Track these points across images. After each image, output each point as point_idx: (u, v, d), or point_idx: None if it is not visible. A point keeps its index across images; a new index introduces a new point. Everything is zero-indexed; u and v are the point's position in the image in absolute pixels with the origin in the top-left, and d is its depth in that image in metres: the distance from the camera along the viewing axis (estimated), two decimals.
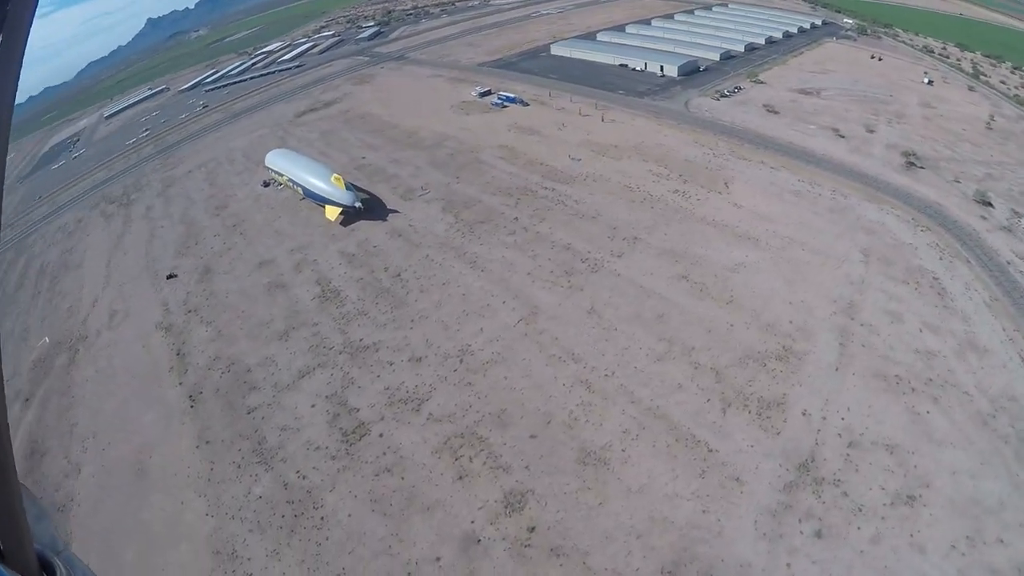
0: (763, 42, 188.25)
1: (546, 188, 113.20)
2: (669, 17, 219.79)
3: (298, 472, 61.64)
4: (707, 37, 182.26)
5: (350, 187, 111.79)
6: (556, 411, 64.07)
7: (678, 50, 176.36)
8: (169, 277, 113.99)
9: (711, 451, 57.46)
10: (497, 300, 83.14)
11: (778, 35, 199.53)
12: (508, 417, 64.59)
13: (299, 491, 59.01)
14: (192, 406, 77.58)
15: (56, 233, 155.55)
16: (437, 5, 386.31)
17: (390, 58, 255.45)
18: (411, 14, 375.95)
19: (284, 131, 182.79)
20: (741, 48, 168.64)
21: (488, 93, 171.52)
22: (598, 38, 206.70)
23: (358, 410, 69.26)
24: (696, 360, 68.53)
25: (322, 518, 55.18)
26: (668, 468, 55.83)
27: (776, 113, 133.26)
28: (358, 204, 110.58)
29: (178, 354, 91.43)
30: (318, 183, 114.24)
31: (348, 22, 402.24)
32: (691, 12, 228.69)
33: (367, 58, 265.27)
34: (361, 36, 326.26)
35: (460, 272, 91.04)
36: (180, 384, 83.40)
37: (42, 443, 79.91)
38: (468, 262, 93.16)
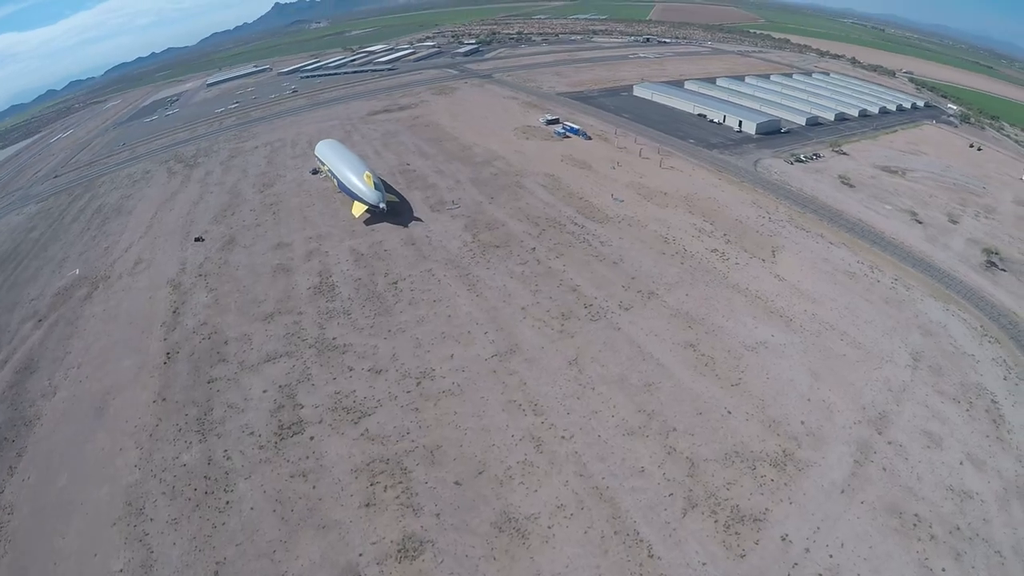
0: (856, 114, 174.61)
1: (576, 224, 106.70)
2: (765, 77, 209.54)
3: (225, 452, 61.01)
4: (797, 100, 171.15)
5: (379, 187, 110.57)
6: (493, 463, 57.10)
7: (764, 108, 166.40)
8: (197, 240, 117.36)
9: (651, 557, 47.95)
10: (480, 329, 77.23)
11: (874, 110, 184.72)
12: (441, 455, 58.57)
13: (219, 470, 58.53)
14: (165, 363, 79.45)
15: (124, 179, 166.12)
16: (541, 34, 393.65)
17: (477, 75, 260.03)
18: (514, 38, 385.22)
19: (352, 126, 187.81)
20: (831, 117, 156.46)
21: (555, 122, 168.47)
22: (685, 86, 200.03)
23: (302, 407, 66.74)
24: (673, 444, 59.03)
25: (227, 503, 54.27)
26: (592, 564, 46.95)
27: (851, 187, 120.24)
28: (382, 205, 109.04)
29: (174, 312, 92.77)
30: (351, 178, 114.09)
31: (453, 37, 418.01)
32: (789, 75, 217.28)
33: (456, 72, 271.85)
34: (459, 51, 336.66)
35: (455, 292, 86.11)
36: (164, 340, 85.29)
37: (36, 361, 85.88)
38: (467, 284, 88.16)
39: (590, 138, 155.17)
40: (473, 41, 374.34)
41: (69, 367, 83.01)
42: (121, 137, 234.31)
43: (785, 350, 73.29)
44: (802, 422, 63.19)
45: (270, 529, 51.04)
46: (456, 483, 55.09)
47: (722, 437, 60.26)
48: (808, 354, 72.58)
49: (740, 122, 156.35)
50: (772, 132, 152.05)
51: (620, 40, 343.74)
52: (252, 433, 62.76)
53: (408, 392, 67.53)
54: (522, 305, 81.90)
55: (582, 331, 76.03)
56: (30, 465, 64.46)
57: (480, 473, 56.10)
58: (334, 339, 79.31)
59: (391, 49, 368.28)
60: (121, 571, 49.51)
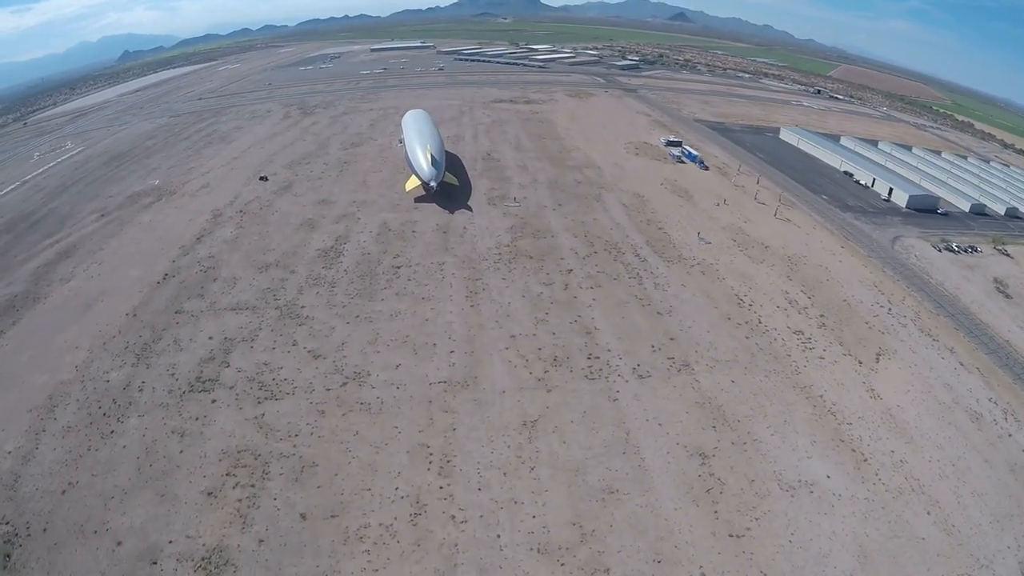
0: None
1: (638, 255, 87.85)
2: (935, 152, 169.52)
3: (141, 383, 58.90)
4: (965, 183, 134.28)
5: (436, 165, 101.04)
6: (354, 511, 44.52)
7: (923, 183, 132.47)
8: (261, 179, 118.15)
9: None
10: (448, 345, 63.74)
11: None
12: (309, 476, 47.56)
13: (126, 398, 56.97)
14: (159, 282, 79.07)
15: (246, 113, 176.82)
16: (709, 65, 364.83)
17: (622, 87, 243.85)
18: (679, 63, 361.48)
19: (469, 108, 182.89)
20: (1001, 209, 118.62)
21: (675, 144, 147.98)
22: (841, 141, 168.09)
23: (227, 367, 60.88)
24: None
25: (112, 432, 52.63)
26: None
27: (1008, 296, 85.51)
28: (433, 183, 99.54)
29: (197, 239, 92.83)
30: (414, 149, 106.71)
31: (620, 51, 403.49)
32: (963, 157, 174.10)
33: (603, 81, 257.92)
34: (616, 63, 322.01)
35: (450, 295, 73.47)
36: (172, 262, 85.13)
37: (75, 249, 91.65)
38: (470, 290, 75.10)
39: (707, 168, 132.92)
40: (636, 58, 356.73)
41: (93, 262, 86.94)
42: (271, 78, 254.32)
43: (837, 504, 49.54)
44: None
45: (123, 474, 48.09)
46: (302, 516, 44.24)
47: None
48: (869, 520, 48.22)
49: (891, 190, 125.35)
50: (926, 210, 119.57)
51: (789, 86, 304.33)
52: (173, 375, 60.25)
53: (328, 390, 56.76)
54: (514, 332, 66.50)
55: (566, 388, 58.68)
56: (13, 336, 68.69)
57: (333, 517, 44.12)
58: (302, 308, 71.35)
59: (553, 50, 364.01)
60: (10, 453, 50.51)
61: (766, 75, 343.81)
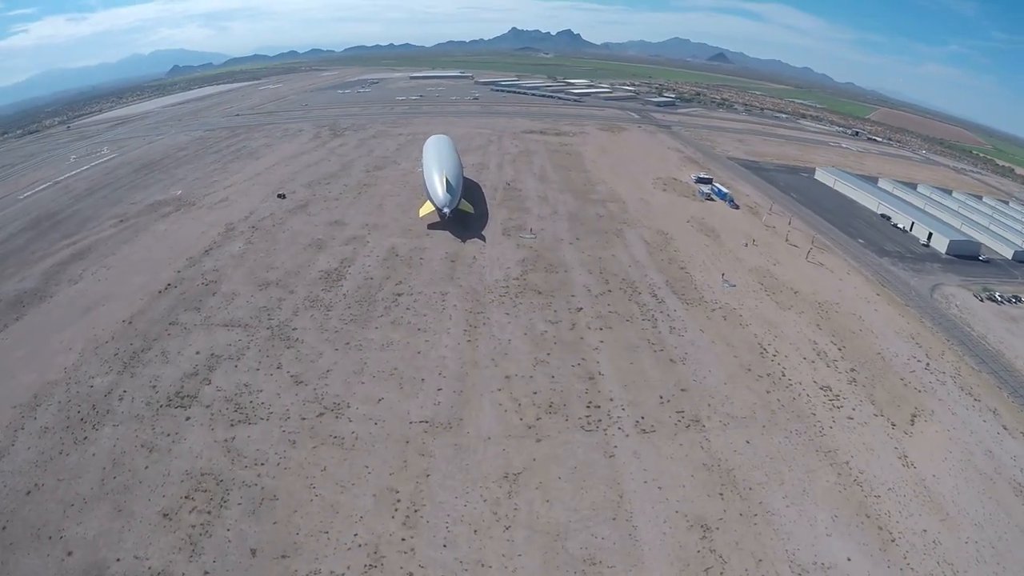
0: None
1: (655, 296, 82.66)
2: (976, 197, 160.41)
3: (123, 392, 57.81)
4: (1009, 229, 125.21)
5: (451, 191, 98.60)
6: (306, 553, 40.61)
7: (964, 228, 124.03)
8: (279, 196, 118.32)
9: None
10: (436, 382, 59.85)
11: None
12: (268, 510, 44.07)
13: (104, 406, 55.94)
14: (160, 291, 78.55)
15: (278, 132, 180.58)
16: (746, 104, 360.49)
17: (656, 123, 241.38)
18: (715, 101, 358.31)
19: (497, 137, 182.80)
20: None
21: (706, 181, 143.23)
22: (879, 184, 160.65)
23: (208, 384, 58.77)
24: None
25: (85, 438, 51.50)
26: None
27: None
28: (446, 209, 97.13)
29: (206, 251, 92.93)
30: (430, 175, 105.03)
31: (657, 88, 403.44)
32: (1005, 202, 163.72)
33: (637, 117, 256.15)
34: (652, 99, 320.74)
35: (448, 328, 69.91)
36: (177, 272, 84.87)
37: (89, 252, 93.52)
38: (470, 324, 71.34)
39: (737, 207, 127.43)
40: (672, 95, 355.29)
41: (102, 266, 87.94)
42: (308, 99, 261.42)
43: None
44: None
45: (87, 483, 46.78)
46: (252, 552, 40.87)
47: None
48: None
49: (930, 235, 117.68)
50: (967, 256, 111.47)
51: (827, 127, 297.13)
52: (154, 387, 58.79)
53: (303, 419, 53.40)
54: (509, 373, 61.95)
55: (558, 439, 53.53)
56: (13, 332, 69.74)
57: (283, 557, 40.48)
58: (294, 330, 68.76)
59: (590, 85, 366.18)
60: None
61: (804, 116, 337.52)
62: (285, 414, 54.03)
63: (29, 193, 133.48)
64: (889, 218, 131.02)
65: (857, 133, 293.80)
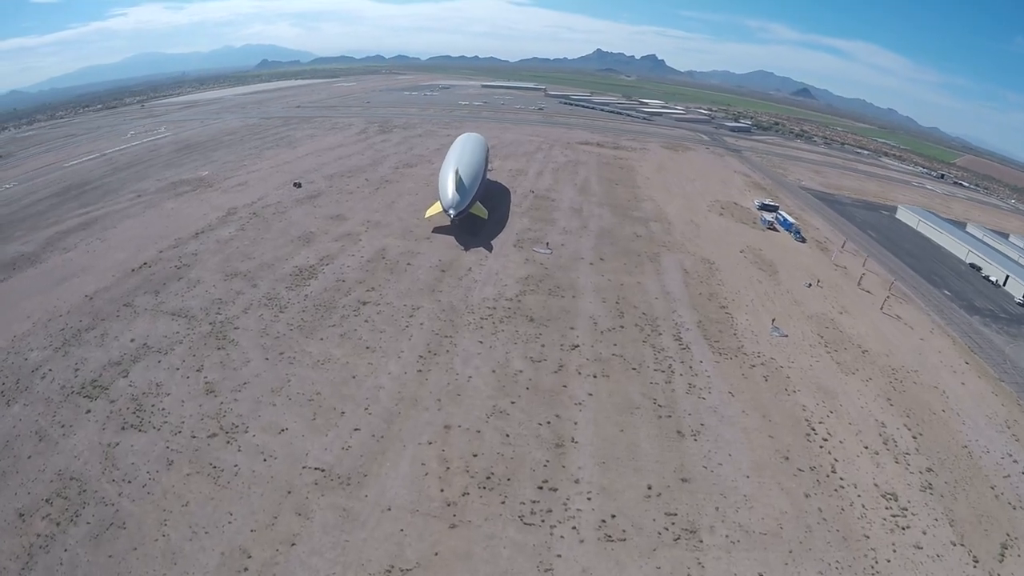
0: None
1: (678, 340, 66.88)
2: None
3: (47, 371, 54.13)
4: None
5: (461, 192, 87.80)
6: None
7: None
8: (295, 184, 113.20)
9: None
10: (354, 420, 49.59)
11: None
12: (111, 538, 35.64)
13: (26, 382, 52.68)
14: (133, 270, 75.65)
15: (328, 124, 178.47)
16: (825, 137, 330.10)
17: (726, 147, 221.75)
18: (795, 132, 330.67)
19: (549, 146, 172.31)
20: None
21: (771, 208, 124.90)
22: (967, 228, 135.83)
23: (125, 377, 52.83)
24: None
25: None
26: None
27: None
28: (451, 212, 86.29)
29: (196, 234, 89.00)
30: (445, 172, 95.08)
31: (734, 114, 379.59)
32: None
33: (708, 139, 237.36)
34: (727, 124, 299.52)
35: (400, 351, 59.14)
36: (159, 252, 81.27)
37: (95, 223, 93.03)
38: (430, 349, 60.17)
39: (804, 240, 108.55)
40: (748, 122, 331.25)
41: (97, 239, 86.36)
42: (373, 98, 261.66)
43: None
44: None
45: (25, 445, 44.28)
46: None
47: None
48: None
49: None
50: None
51: (910, 168, 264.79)
52: (76, 370, 53.88)
53: (193, 437, 44.98)
54: (452, 422, 49.40)
55: (481, 530, 39.93)
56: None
57: None
58: (235, 329, 60.85)
59: (664, 105, 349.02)
60: None
61: (886, 154, 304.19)
62: (178, 427, 45.87)
63: (75, 163, 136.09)
64: (980, 268, 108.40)
65: (943, 176, 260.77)
